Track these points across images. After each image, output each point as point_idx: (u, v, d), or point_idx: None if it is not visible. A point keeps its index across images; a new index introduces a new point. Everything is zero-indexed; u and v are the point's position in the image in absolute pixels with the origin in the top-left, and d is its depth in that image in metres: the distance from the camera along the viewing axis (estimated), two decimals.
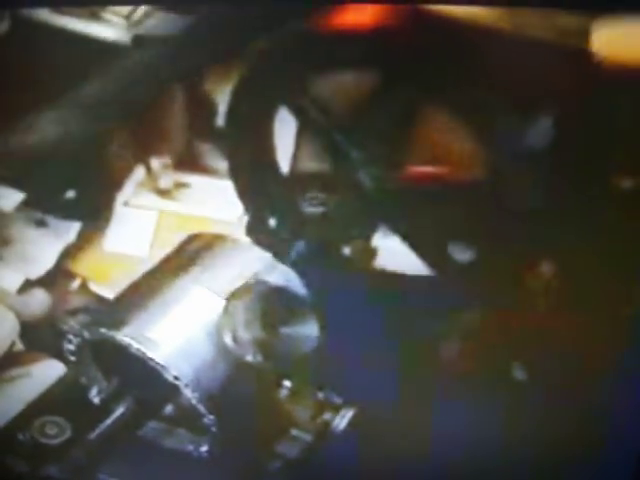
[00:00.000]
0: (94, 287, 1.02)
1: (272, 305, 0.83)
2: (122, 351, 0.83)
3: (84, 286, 1.02)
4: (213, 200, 1.00)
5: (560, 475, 0.91)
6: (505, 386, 0.95)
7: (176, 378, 0.82)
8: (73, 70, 0.92)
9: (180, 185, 1.03)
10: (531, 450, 0.91)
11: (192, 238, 0.91)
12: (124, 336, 0.83)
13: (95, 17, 0.92)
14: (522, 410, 0.92)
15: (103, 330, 0.84)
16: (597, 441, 0.89)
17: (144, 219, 1.02)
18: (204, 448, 0.88)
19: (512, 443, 0.91)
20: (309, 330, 0.84)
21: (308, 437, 0.89)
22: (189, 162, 1.02)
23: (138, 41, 0.91)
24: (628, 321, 0.91)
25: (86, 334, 0.86)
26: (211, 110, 0.96)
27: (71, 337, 0.87)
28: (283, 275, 0.86)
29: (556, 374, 0.93)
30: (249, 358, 0.82)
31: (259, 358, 0.82)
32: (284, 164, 0.95)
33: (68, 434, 0.87)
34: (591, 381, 0.91)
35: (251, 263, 0.87)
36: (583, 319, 0.92)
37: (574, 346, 0.93)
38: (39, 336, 0.99)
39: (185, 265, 0.87)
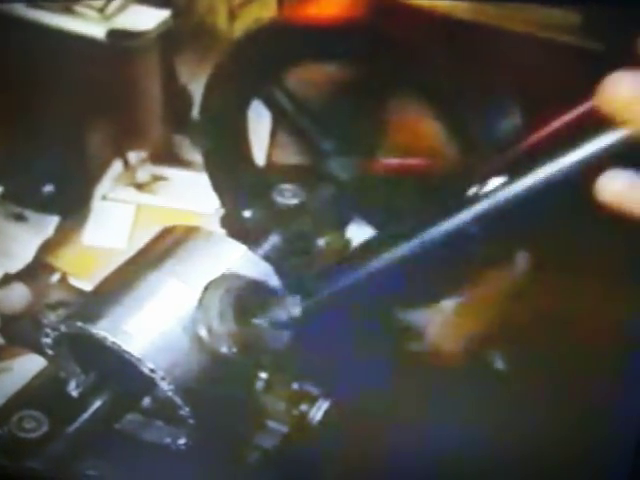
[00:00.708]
0: (74, 281, 1.03)
1: (246, 297, 0.83)
2: (99, 344, 0.83)
3: (64, 280, 1.03)
4: (190, 193, 1.01)
5: (551, 473, 0.91)
6: (485, 376, 0.96)
7: (152, 370, 0.81)
8: (48, 64, 0.93)
9: (157, 178, 1.03)
10: (515, 446, 0.91)
11: (167, 231, 0.90)
12: (100, 329, 0.83)
13: (69, 11, 0.92)
14: (503, 402, 0.92)
15: (79, 324, 0.84)
16: (589, 438, 0.90)
17: (122, 213, 1.03)
18: (182, 441, 0.88)
19: (493, 436, 0.91)
20: (283, 322, 0.84)
21: (284, 429, 0.89)
22: (166, 155, 1.03)
23: (112, 35, 0.92)
24: (614, 312, 0.91)
25: (63, 328, 0.85)
26: (187, 103, 0.97)
27: (48, 331, 0.87)
28: (257, 267, 0.86)
29: (537, 365, 0.93)
30: (224, 350, 0.82)
31: (234, 350, 0.82)
32: (258, 156, 0.95)
33: (45, 428, 0.87)
34: (577, 374, 0.92)
35: (225, 255, 0.87)
36: (563, 307, 0.92)
37: (555, 336, 0.93)
38: (20, 330, 0.99)
39: (160, 258, 0.87)
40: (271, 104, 0.90)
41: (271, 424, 0.89)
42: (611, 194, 0.65)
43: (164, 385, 0.82)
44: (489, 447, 0.91)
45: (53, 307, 0.93)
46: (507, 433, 0.91)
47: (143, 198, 1.03)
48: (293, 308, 0.83)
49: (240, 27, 0.92)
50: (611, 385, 0.89)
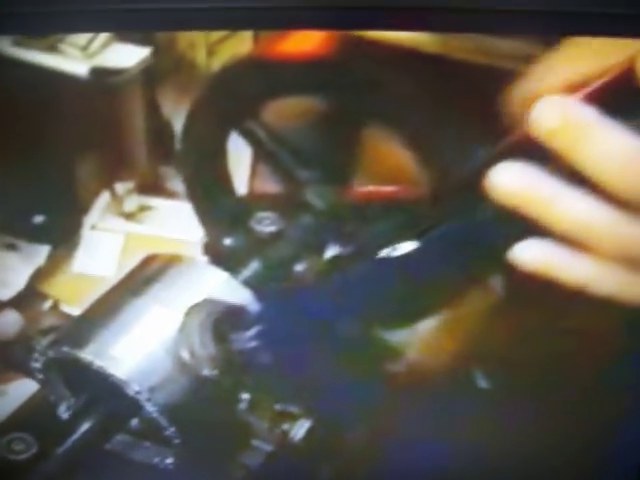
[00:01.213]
0: (65, 308, 1.05)
1: (226, 321, 0.86)
2: (86, 368, 0.86)
3: (56, 307, 1.05)
4: (176, 221, 1.03)
5: None
6: (468, 394, 0.96)
7: (137, 392, 0.84)
8: (35, 100, 0.94)
9: (144, 208, 1.05)
10: (505, 466, 0.92)
11: (150, 258, 0.93)
12: (86, 354, 0.86)
13: (53, 49, 0.94)
14: (488, 421, 0.93)
15: (66, 349, 0.87)
16: (581, 458, 0.91)
17: (111, 241, 1.05)
18: (169, 460, 0.90)
19: (479, 455, 0.92)
20: (261, 344, 0.86)
21: (268, 447, 0.91)
22: (152, 186, 1.04)
23: (95, 73, 0.94)
24: (600, 327, 0.92)
25: (51, 353, 0.88)
26: (170, 136, 0.99)
27: (37, 356, 0.90)
28: (237, 293, 0.89)
29: (521, 384, 0.94)
30: (206, 372, 0.85)
31: (215, 372, 0.85)
32: (239, 185, 0.97)
33: (34, 450, 0.89)
34: (562, 392, 0.93)
35: (207, 282, 0.90)
36: (546, 324, 0.93)
37: (538, 354, 0.94)
38: (12, 355, 1.01)
39: (144, 284, 0.90)
40: (248, 136, 0.92)
41: (255, 443, 0.92)
42: (503, 189, 0.65)
43: (149, 406, 0.85)
44: (476, 467, 0.92)
45: (45, 333, 0.95)
46: (492, 453, 0.93)
47: (131, 227, 1.05)
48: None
49: (218, 63, 0.94)
50: (603, 400, 0.90)
